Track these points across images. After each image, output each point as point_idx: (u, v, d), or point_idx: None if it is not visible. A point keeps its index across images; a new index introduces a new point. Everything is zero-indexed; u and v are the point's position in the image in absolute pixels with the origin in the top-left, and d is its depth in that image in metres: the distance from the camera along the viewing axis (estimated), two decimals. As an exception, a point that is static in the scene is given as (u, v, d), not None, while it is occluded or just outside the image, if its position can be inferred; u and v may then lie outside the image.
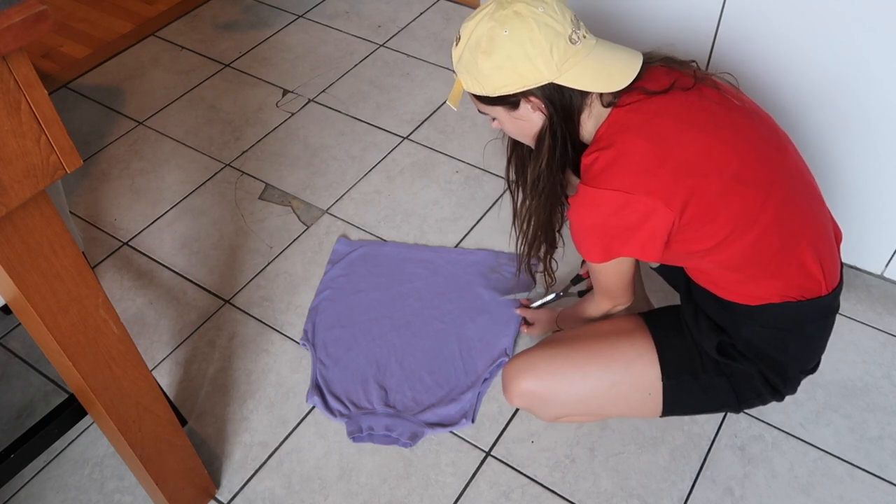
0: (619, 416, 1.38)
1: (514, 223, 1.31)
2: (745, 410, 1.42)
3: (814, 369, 1.22)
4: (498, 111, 1.12)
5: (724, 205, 1.04)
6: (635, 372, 1.22)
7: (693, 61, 1.14)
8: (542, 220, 1.23)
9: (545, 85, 1.05)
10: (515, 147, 1.27)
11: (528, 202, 1.22)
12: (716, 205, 1.03)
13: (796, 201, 1.09)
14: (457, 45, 1.09)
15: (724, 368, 1.18)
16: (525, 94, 1.06)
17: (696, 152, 1.03)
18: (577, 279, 1.57)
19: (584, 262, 1.55)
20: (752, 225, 1.05)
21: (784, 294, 1.09)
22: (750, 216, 1.04)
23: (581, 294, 1.55)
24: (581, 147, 1.12)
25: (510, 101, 1.09)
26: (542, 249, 1.30)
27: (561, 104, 1.07)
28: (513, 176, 1.30)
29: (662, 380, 1.20)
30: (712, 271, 1.12)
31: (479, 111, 1.16)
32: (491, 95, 1.08)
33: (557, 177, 1.15)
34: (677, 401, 1.22)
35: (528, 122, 1.12)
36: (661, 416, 1.26)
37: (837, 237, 1.16)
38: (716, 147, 1.04)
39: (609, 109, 1.08)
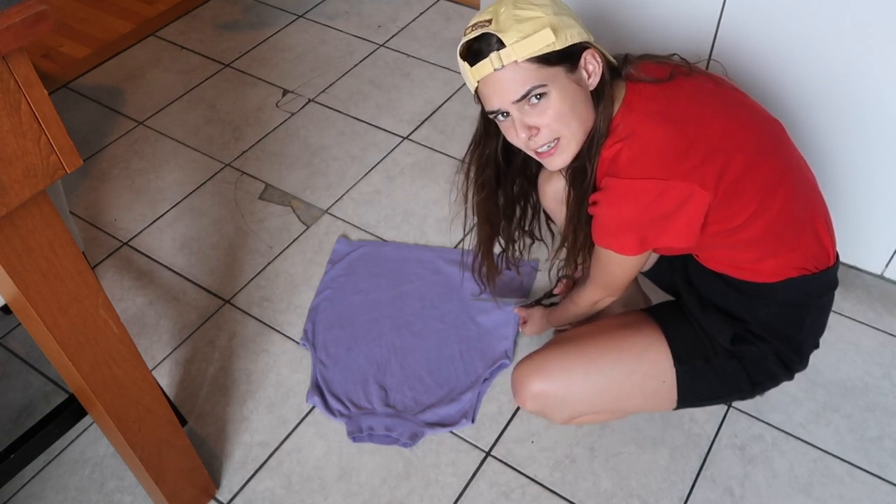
0: (635, 411, 1.37)
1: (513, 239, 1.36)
2: (747, 408, 1.43)
3: (818, 344, 1.23)
4: (559, 76, 1.03)
5: (750, 180, 1.05)
6: (647, 360, 1.21)
7: (674, 54, 1.16)
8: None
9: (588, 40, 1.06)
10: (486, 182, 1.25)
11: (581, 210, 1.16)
12: (743, 181, 1.04)
13: (801, 173, 1.13)
14: (489, 24, 1.02)
15: (736, 352, 1.18)
16: (585, 46, 1.04)
17: (718, 132, 1.05)
18: (550, 294, 1.58)
19: (559, 279, 1.55)
20: (774, 197, 1.06)
21: (801, 267, 1.11)
22: (772, 188, 1.06)
23: (553, 305, 1.54)
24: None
25: (572, 59, 1.04)
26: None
27: (607, 61, 1.08)
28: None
29: (675, 366, 1.20)
30: (732, 252, 1.12)
31: (520, 98, 1.03)
32: (558, 48, 1.01)
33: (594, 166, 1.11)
34: (692, 387, 1.21)
35: (582, 92, 1.06)
36: (675, 408, 1.25)
37: None
38: (732, 125, 1.06)
39: (624, 93, 1.08)
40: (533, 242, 1.44)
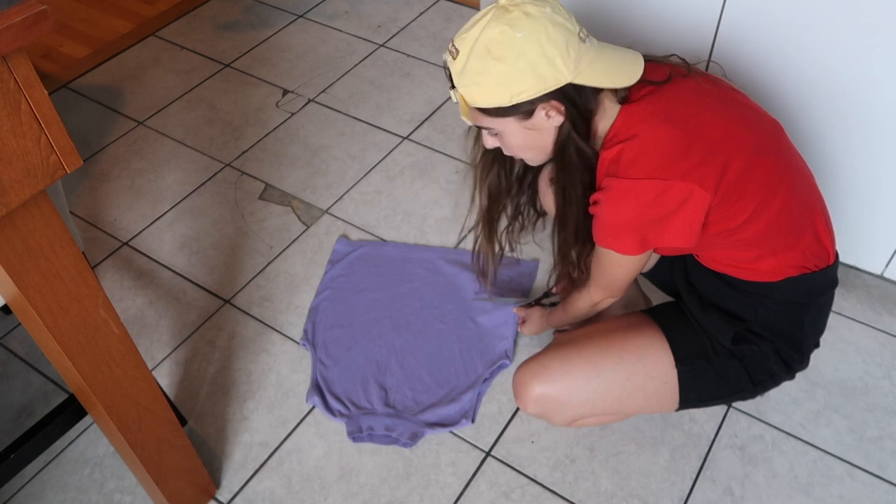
0: (637, 412, 1.36)
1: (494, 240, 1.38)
2: (747, 408, 1.43)
3: (819, 343, 1.23)
4: (508, 123, 1.07)
5: (751, 179, 1.05)
6: (649, 361, 1.21)
7: (673, 54, 1.16)
8: (579, 223, 1.18)
9: (564, 86, 1.02)
10: (488, 174, 1.29)
11: (564, 211, 1.18)
12: (742, 180, 1.05)
13: (800, 172, 1.13)
14: (455, 57, 1.03)
15: (737, 352, 1.18)
16: (544, 99, 1.03)
17: (717, 132, 1.05)
18: (549, 294, 1.58)
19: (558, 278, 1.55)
20: (775, 195, 1.07)
21: (802, 266, 1.11)
22: (772, 187, 1.07)
23: (552, 305, 1.54)
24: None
25: (525, 110, 1.04)
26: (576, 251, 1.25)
27: (581, 104, 1.06)
28: (485, 201, 1.32)
29: (676, 366, 1.20)
30: (732, 252, 1.12)
31: (479, 126, 1.12)
32: (505, 105, 1.03)
33: (585, 178, 1.12)
34: (693, 388, 1.21)
35: (540, 132, 1.08)
36: (677, 409, 1.25)
37: None
38: (731, 125, 1.07)
39: (620, 105, 1.08)
40: (538, 219, 1.43)
